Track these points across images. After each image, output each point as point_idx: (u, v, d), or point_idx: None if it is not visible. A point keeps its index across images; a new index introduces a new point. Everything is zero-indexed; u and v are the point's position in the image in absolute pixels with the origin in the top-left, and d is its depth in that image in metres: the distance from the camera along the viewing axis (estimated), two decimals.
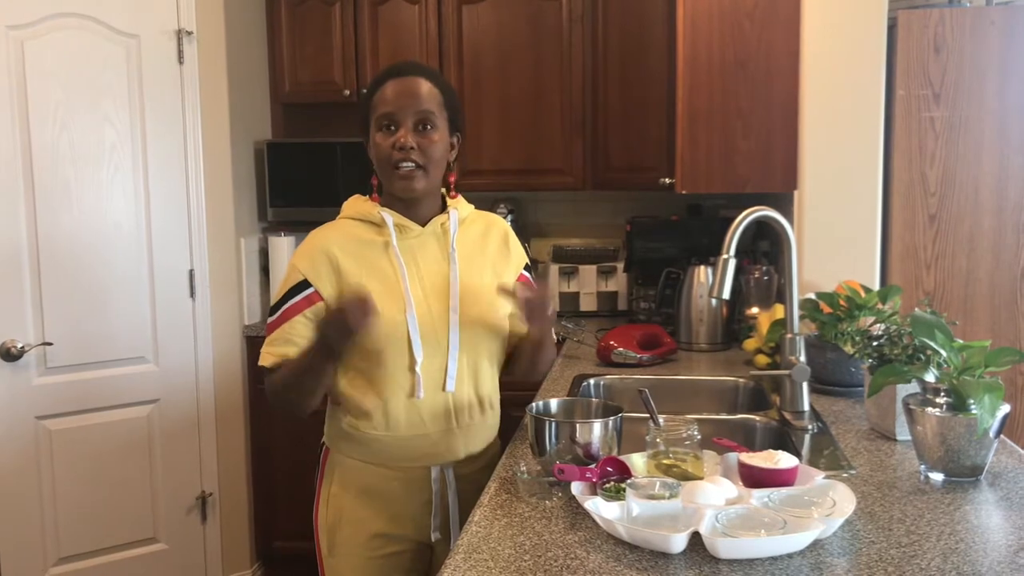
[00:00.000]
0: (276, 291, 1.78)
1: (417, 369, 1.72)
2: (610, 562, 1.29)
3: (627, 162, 3.40)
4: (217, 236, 3.29)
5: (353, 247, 1.76)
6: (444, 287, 1.76)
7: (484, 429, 1.85)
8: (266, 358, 1.75)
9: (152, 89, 3.07)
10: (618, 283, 3.60)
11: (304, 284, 1.74)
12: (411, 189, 1.74)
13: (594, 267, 3.60)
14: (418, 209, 1.79)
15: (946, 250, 2.61)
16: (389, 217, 1.77)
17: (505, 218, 3.65)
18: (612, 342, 2.67)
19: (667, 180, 2.93)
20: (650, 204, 3.62)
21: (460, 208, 1.86)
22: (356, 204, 1.84)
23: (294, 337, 1.73)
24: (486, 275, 1.83)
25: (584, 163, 3.51)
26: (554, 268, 3.63)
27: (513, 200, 3.74)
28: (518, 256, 1.92)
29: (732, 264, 1.93)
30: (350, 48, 3.57)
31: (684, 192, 2.72)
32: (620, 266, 3.56)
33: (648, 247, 3.24)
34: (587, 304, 3.61)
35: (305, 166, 3.55)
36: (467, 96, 3.52)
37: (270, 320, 1.76)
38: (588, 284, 3.61)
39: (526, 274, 1.94)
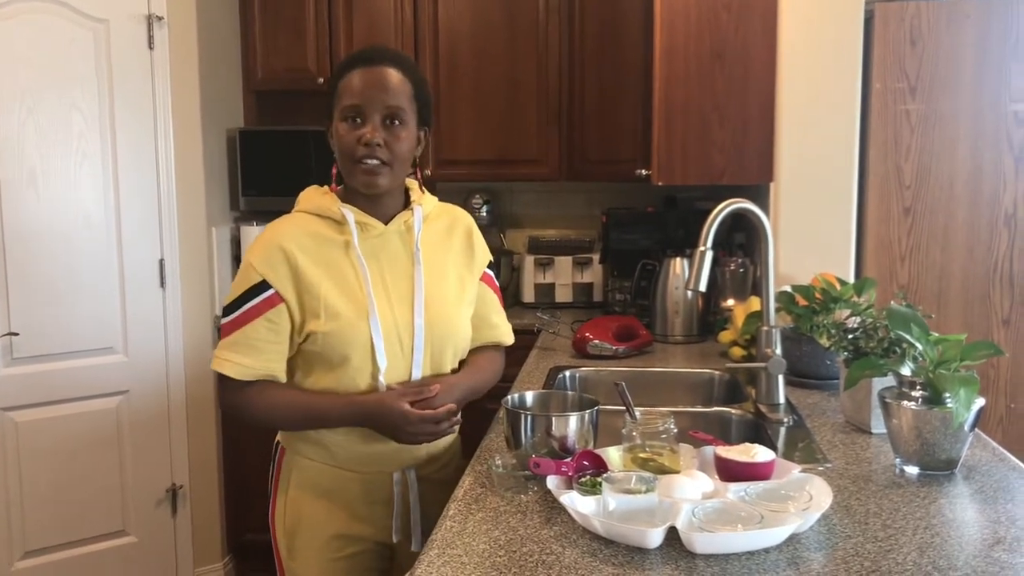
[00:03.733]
0: (231, 290, 1.67)
1: (381, 377, 1.66)
2: (586, 557, 1.27)
3: (603, 153, 3.39)
4: (188, 225, 3.24)
5: (311, 245, 1.66)
6: (408, 290, 1.70)
7: None
8: (226, 365, 1.64)
9: (121, 75, 3.01)
10: (594, 274, 3.59)
11: (263, 285, 1.63)
12: (374, 185, 1.65)
13: (569, 258, 3.59)
14: (381, 205, 1.71)
15: (920, 243, 2.62)
16: (350, 214, 1.67)
17: (481, 209, 3.66)
18: (587, 334, 2.66)
19: (643, 171, 2.92)
20: (626, 196, 3.61)
21: (425, 204, 1.78)
22: (314, 197, 1.73)
23: (256, 342, 1.63)
24: (450, 276, 1.77)
25: (560, 154, 3.50)
26: (530, 259, 3.61)
27: (489, 191, 3.72)
28: (482, 255, 1.85)
29: (709, 256, 1.93)
30: (324, 35, 3.52)
31: (660, 183, 2.71)
32: (596, 257, 3.55)
33: (624, 238, 3.23)
34: (562, 295, 3.60)
35: (278, 155, 3.50)
36: (443, 85, 3.49)
37: (225, 321, 1.65)
38: (563, 275, 3.60)
39: (489, 273, 1.88)
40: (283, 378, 1.69)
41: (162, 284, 3.18)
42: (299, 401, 1.69)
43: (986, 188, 2.60)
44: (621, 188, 3.62)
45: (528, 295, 3.61)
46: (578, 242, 3.67)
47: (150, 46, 3.06)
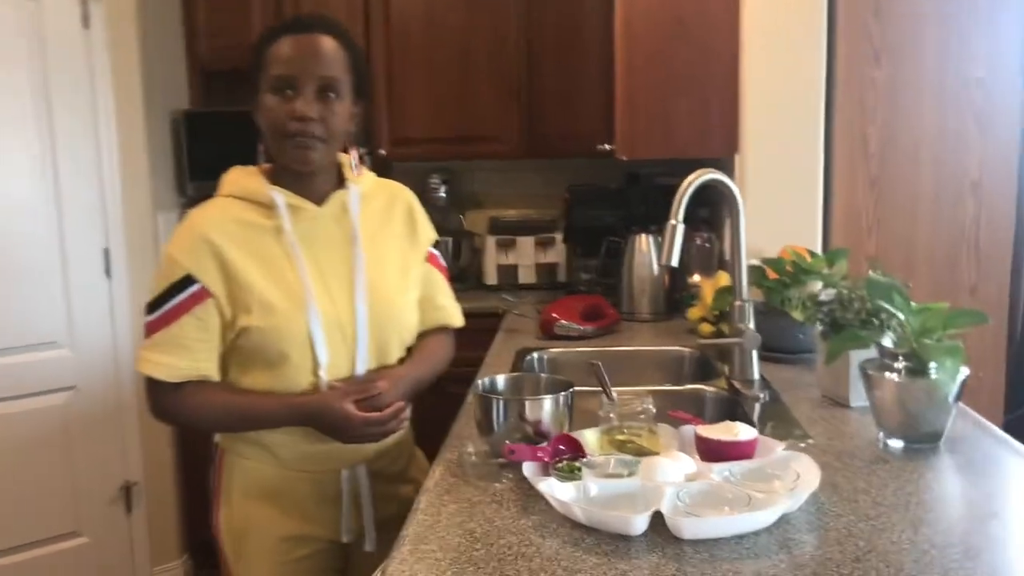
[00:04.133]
0: (153, 284, 1.54)
1: (321, 373, 1.54)
2: (567, 547, 1.20)
3: (564, 129, 3.32)
4: (133, 212, 3.11)
5: (238, 233, 1.53)
6: (347, 277, 1.58)
7: None
8: (154, 366, 1.52)
9: (56, 55, 2.86)
10: (557, 254, 3.52)
11: (188, 280, 1.50)
12: (307, 161, 1.53)
13: (532, 238, 3.52)
14: (313, 185, 1.58)
15: (887, 214, 2.59)
16: (280, 197, 1.55)
17: (439, 189, 3.57)
18: (554, 314, 2.59)
19: (606, 146, 2.85)
20: (587, 173, 3.55)
21: (361, 181, 1.65)
22: (239, 180, 1.60)
23: (185, 340, 1.51)
24: (392, 258, 1.66)
25: (519, 130, 3.42)
26: (491, 240, 3.53)
27: (447, 170, 3.63)
28: (425, 234, 1.74)
29: (681, 229, 1.86)
30: (271, 11, 3.38)
31: (624, 158, 2.65)
32: (559, 237, 3.48)
33: (588, 215, 3.16)
34: (526, 276, 3.53)
35: (226, 137, 3.32)
36: (395, 61, 3.39)
37: (149, 319, 1.52)
38: (526, 256, 3.52)
39: (434, 252, 1.77)
40: (216, 377, 1.57)
41: (108, 274, 3.04)
42: (235, 403, 1.57)
43: (951, 156, 2.57)
44: (582, 165, 3.55)
45: (490, 277, 3.53)
46: (540, 221, 3.60)
47: (85, 24, 2.91)
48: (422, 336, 1.75)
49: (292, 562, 1.64)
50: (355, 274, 1.59)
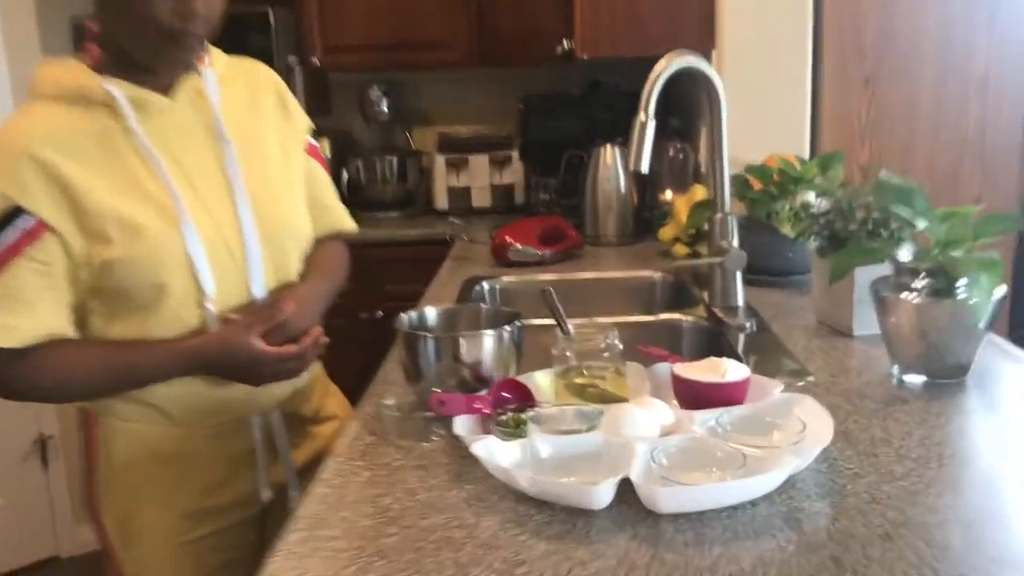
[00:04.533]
0: None
1: (208, 305, 1.26)
2: (509, 528, 0.92)
3: (519, 29, 3.01)
4: None
5: (73, 143, 1.21)
6: (221, 180, 1.30)
7: None
8: None
9: None
10: (513, 174, 3.21)
11: (15, 213, 1.18)
12: (186, 64, 1.27)
13: (485, 157, 3.20)
14: (158, 73, 1.27)
15: (882, 117, 2.31)
16: (118, 91, 1.23)
17: (380, 103, 3.22)
18: (508, 238, 2.29)
19: (565, 45, 2.53)
20: (545, 82, 3.23)
21: (215, 63, 1.35)
22: (60, 76, 1.26)
23: (22, 292, 1.19)
24: (271, 151, 1.38)
25: (469, 33, 3.09)
26: (440, 160, 3.21)
27: (389, 81, 3.28)
28: (301, 120, 1.48)
29: (652, 127, 1.56)
30: None
31: (585, 57, 2.34)
32: (515, 155, 3.17)
33: (546, 126, 2.85)
34: (480, 199, 3.22)
35: None
36: None
37: None
38: (480, 177, 3.21)
39: (313, 143, 1.49)
40: (71, 332, 1.25)
41: None
42: (108, 360, 1.26)
43: (956, 50, 2.28)
44: (540, 75, 3.23)
45: (440, 201, 3.22)
46: (494, 138, 3.29)
47: None
48: (314, 245, 1.47)
49: (196, 541, 1.36)
50: (230, 175, 1.29)
